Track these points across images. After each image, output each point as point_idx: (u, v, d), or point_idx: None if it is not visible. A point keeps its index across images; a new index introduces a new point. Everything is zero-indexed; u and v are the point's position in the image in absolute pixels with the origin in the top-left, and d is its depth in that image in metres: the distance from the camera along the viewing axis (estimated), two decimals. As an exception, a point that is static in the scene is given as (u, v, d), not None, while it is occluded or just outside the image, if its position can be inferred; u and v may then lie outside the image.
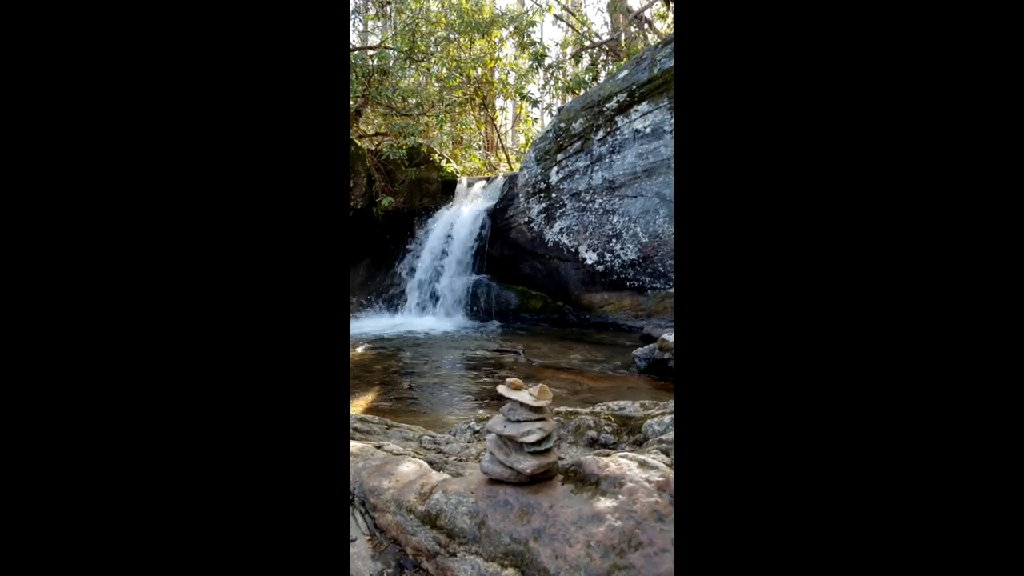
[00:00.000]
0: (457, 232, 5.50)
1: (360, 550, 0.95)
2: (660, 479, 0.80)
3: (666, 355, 2.94)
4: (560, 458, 1.29)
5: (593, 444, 1.27)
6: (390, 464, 1.11)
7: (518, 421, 0.89)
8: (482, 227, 5.48)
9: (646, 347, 3.19)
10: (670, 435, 1.06)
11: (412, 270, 5.46)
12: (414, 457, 1.16)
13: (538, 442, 0.86)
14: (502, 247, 5.49)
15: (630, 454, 0.88)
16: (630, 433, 1.27)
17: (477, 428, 1.53)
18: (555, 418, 1.42)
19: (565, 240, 5.04)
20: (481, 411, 2.26)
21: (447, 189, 6.24)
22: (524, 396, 0.90)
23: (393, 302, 5.40)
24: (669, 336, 2.99)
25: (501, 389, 0.95)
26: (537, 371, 3.11)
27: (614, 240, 4.75)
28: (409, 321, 4.87)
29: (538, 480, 0.86)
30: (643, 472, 0.81)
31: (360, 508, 1.03)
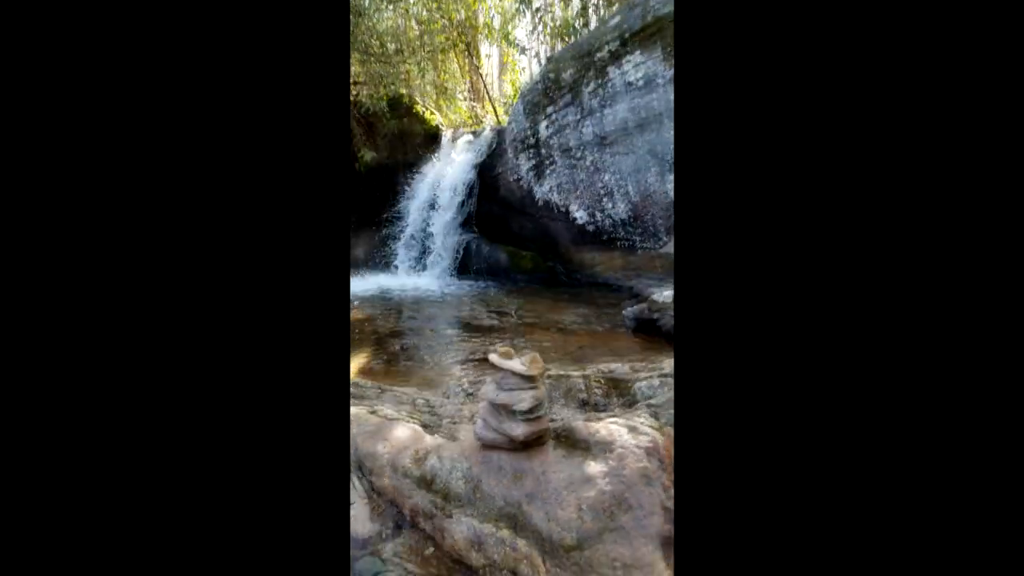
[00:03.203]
0: (444, 189, 5.39)
1: (358, 512, 0.98)
2: (649, 444, 0.82)
3: (655, 314, 2.98)
4: (552, 419, 1.32)
5: (584, 406, 1.30)
6: (385, 429, 1.13)
7: (510, 389, 0.90)
8: (470, 184, 5.38)
9: (635, 306, 3.22)
10: (658, 398, 1.09)
11: (400, 229, 5.38)
12: (408, 421, 1.18)
13: (530, 409, 0.87)
14: (491, 205, 5.42)
15: (620, 419, 0.91)
16: (620, 395, 1.30)
17: (470, 390, 1.55)
18: (547, 380, 1.44)
19: (555, 198, 4.98)
20: (473, 372, 2.29)
21: (431, 142, 6.05)
22: (516, 365, 0.91)
23: (381, 262, 5.36)
24: (658, 295, 3.02)
25: (492, 358, 0.95)
26: (528, 331, 3.14)
27: (605, 198, 4.70)
28: (398, 281, 4.85)
29: (530, 445, 0.89)
30: (632, 437, 0.84)
31: (357, 472, 1.06)
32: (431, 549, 0.87)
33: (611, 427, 0.87)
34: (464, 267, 5.13)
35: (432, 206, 5.43)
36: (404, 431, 1.12)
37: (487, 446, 0.91)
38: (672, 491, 0.76)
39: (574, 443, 0.88)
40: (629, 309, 3.26)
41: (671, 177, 4.41)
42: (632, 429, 0.86)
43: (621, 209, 4.68)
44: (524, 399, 0.88)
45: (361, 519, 0.96)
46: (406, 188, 5.61)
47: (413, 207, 5.41)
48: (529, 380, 0.90)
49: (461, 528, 0.83)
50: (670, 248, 4.58)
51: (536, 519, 0.76)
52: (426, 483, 0.91)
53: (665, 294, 2.99)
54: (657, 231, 4.58)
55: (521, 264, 5.11)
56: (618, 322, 3.36)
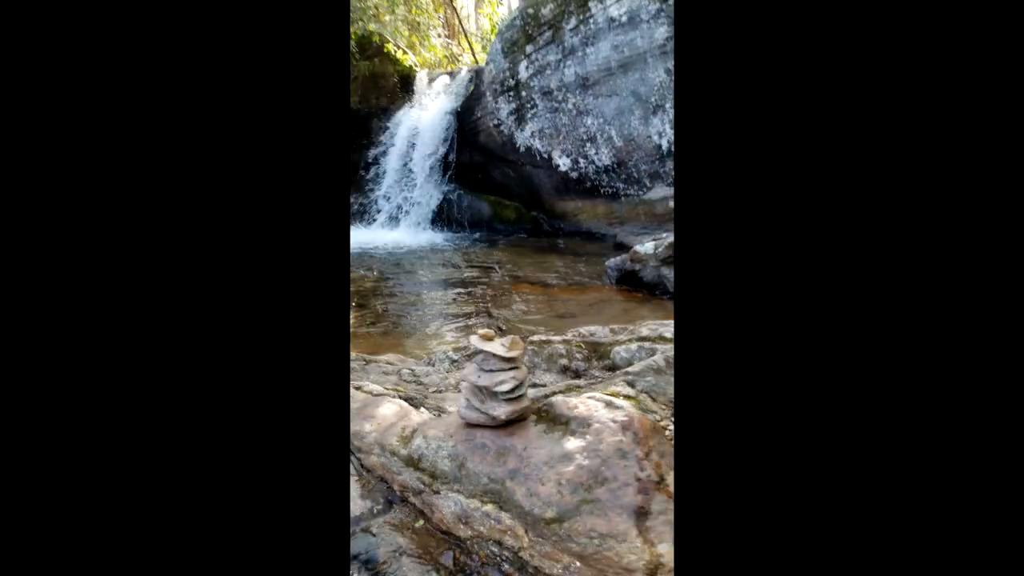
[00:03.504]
0: (421, 137, 5.20)
1: (352, 489, 1.02)
2: (624, 419, 0.86)
3: (636, 266, 3.00)
4: (534, 383, 1.36)
5: (565, 371, 1.33)
6: (370, 406, 1.16)
7: (492, 371, 0.92)
8: (448, 131, 5.19)
9: (617, 258, 3.24)
10: (635, 365, 1.12)
11: (376, 180, 5.22)
12: (393, 397, 1.21)
13: (511, 390, 0.90)
14: (471, 152, 5.26)
15: (597, 394, 0.94)
16: (600, 359, 1.34)
17: (454, 357, 1.58)
18: (530, 347, 1.47)
19: (537, 144, 4.84)
20: (458, 334, 2.32)
21: (405, 86, 5.76)
22: (497, 347, 0.92)
23: (357, 215, 5.23)
24: (640, 247, 3.04)
25: (474, 340, 0.97)
26: (514, 286, 3.16)
27: (588, 144, 4.59)
28: (377, 236, 4.77)
29: (512, 423, 0.92)
30: (609, 412, 0.87)
31: (346, 448, 1.09)
32: (421, 522, 0.92)
33: (589, 403, 0.90)
34: (446, 219, 5.05)
35: (409, 155, 5.25)
36: (390, 408, 1.15)
37: (471, 424, 0.94)
38: (645, 463, 0.80)
39: (554, 419, 0.91)
40: (612, 261, 3.28)
41: (655, 120, 4.30)
42: (608, 404, 0.89)
43: (604, 155, 4.59)
44: (505, 380, 0.90)
45: (352, 497, 1.00)
46: (381, 136, 5.39)
47: (390, 156, 5.23)
48: (510, 362, 0.92)
49: (448, 504, 0.88)
50: (653, 195, 4.55)
51: (519, 495, 0.80)
52: (413, 463, 0.95)
53: (647, 246, 3.01)
54: (640, 177, 4.53)
55: (504, 215, 5.05)
56: (601, 273, 3.39)
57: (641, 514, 0.73)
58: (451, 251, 4.28)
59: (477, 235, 4.86)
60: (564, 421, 0.89)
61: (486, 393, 0.92)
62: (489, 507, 0.83)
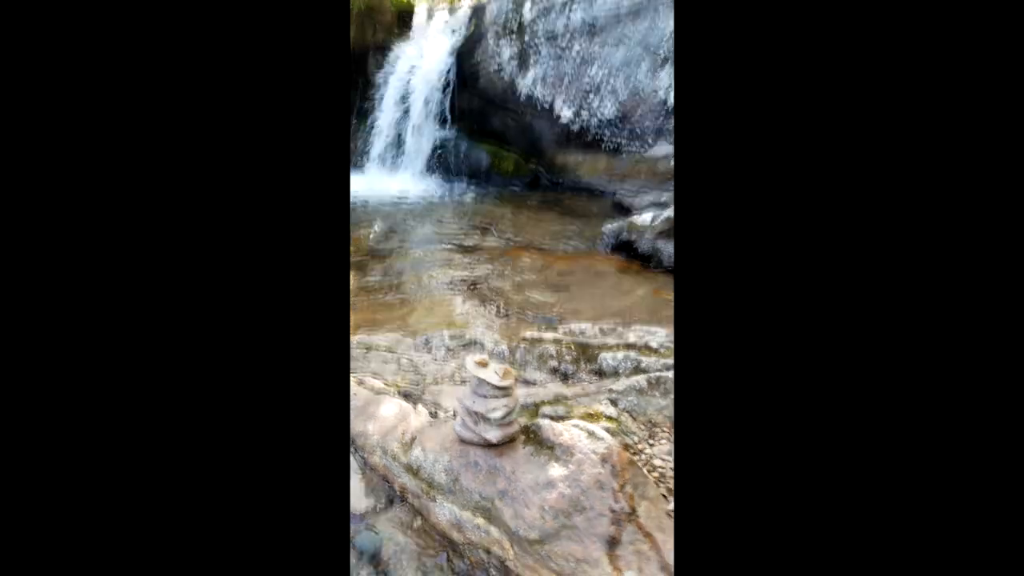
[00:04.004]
0: (419, 79, 4.97)
1: (355, 486, 1.13)
2: (604, 451, 0.95)
3: (632, 236, 3.03)
4: (526, 381, 1.45)
5: (554, 372, 1.42)
6: (372, 405, 1.25)
7: (485, 396, 1.00)
8: (447, 73, 4.95)
9: (615, 224, 3.25)
10: (620, 383, 1.20)
11: (372, 124, 5.05)
12: (393, 395, 1.30)
13: (503, 416, 0.98)
14: (471, 97, 5.06)
15: (581, 423, 1.02)
16: (588, 361, 1.42)
17: (451, 345, 1.66)
18: (522, 344, 1.55)
19: (539, 92, 4.66)
20: (457, 308, 2.38)
21: (403, 22, 5.41)
22: (491, 375, 0.99)
23: (352, 161, 5.10)
24: (637, 217, 3.04)
25: (469, 365, 1.03)
26: (511, 253, 3.19)
27: (592, 94, 4.42)
28: (372, 183, 4.69)
29: (502, 444, 1.01)
30: (590, 443, 0.96)
31: (351, 447, 1.19)
32: (419, 522, 1.03)
33: (573, 431, 0.99)
34: (443, 167, 4.95)
35: (406, 97, 5.04)
36: (390, 408, 1.24)
37: (465, 441, 1.03)
38: (620, 495, 0.90)
39: (541, 442, 1.00)
40: (608, 227, 3.30)
41: (662, 74, 4.13)
42: (591, 435, 0.98)
43: (608, 107, 4.44)
44: (497, 408, 0.98)
45: (357, 494, 1.11)
46: (377, 76, 5.14)
47: (387, 98, 5.02)
48: (502, 390, 0.99)
49: (444, 511, 0.99)
50: (655, 152, 4.46)
51: (506, 516, 0.91)
52: (412, 471, 1.05)
53: (644, 216, 3.01)
54: (644, 133, 4.41)
55: (502, 166, 4.95)
56: (597, 237, 3.42)
57: (613, 543, 0.84)
58: (449, 205, 4.25)
59: (475, 186, 4.80)
60: (550, 446, 0.99)
61: (479, 417, 1.00)
62: (480, 520, 0.94)
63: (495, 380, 0.98)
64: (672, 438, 1.08)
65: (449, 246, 3.31)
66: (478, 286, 2.67)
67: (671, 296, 2.54)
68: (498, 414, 0.97)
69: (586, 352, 1.45)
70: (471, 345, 1.64)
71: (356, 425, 1.19)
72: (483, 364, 1.02)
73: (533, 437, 1.02)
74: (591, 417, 1.10)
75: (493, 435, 0.98)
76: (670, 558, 0.84)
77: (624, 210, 4.00)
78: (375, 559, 1.01)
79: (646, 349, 1.36)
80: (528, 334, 1.55)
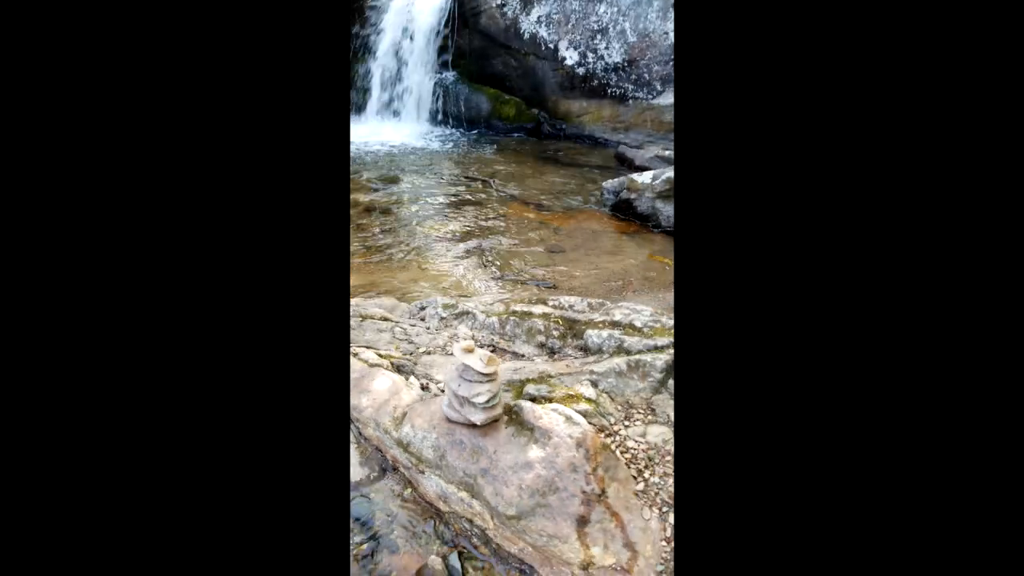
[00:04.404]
0: (417, 16, 4.69)
1: (351, 455, 1.21)
2: (579, 435, 1.01)
3: (632, 195, 2.99)
4: (515, 353, 1.51)
5: (541, 347, 1.47)
6: (366, 379, 1.31)
7: (470, 381, 1.05)
8: (447, 11, 4.67)
9: (615, 181, 3.20)
10: (601, 365, 1.25)
11: (368, 68, 4.83)
12: (386, 369, 1.36)
13: (487, 401, 1.04)
14: (471, 37, 4.80)
15: (560, 407, 1.08)
16: (574, 337, 1.47)
17: (443, 315, 1.71)
18: (512, 317, 1.59)
19: (543, 33, 4.41)
20: (452, 266, 2.41)
21: (402, -51, 5.03)
22: (475, 362, 1.04)
23: (351, 105, 4.93)
24: (638, 176, 2.99)
25: (456, 351, 1.08)
26: (507, 208, 3.17)
27: (598, 37, 4.19)
28: (369, 130, 4.56)
29: (486, 425, 1.08)
30: (567, 428, 1.03)
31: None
32: (409, 491, 1.12)
33: (552, 416, 1.05)
34: (442, 112, 4.79)
35: (404, 36, 4.79)
36: (383, 382, 1.30)
37: (451, 421, 1.10)
38: (591, 477, 0.98)
39: (522, 423, 1.07)
40: (609, 183, 3.25)
41: (672, 15, 3.89)
42: (568, 419, 1.04)
43: (615, 51, 4.22)
44: (481, 392, 1.04)
45: (353, 463, 1.20)
46: (372, 14, 4.85)
47: (383, 39, 4.77)
48: (487, 376, 1.04)
49: (431, 484, 1.07)
50: (663, 100, 4.29)
51: (487, 493, 0.99)
52: (403, 446, 1.13)
53: (644, 176, 2.96)
54: (652, 80, 4.22)
55: (503, 111, 4.79)
56: (597, 193, 3.38)
57: (582, 521, 0.92)
58: (447, 154, 4.16)
59: (475, 133, 4.67)
60: (530, 428, 1.05)
61: (465, 400, 1.06)
62: (464, 494, 1.03)
63: (480, 367, 1.03)
64: (646, 420, 1.15)
65: (446, 200, 3.28)
66: (474, 246, 2.68)
67: (665, 260, 2.55)
68: (482, 399, 1.03)
69: (573, 328, 1.49)
70: (463, 316, 1.68)
71: (352, 398, 1.26)
72: (469, 350, 1.06)
73: (515, 418, 1.09)
74: (571, 399, 1.16)
75: (477, 417, 1.05)
76: (635, 536, 0.93)
77: (627, 162, 3.92)
78: (367, 526, 1.11)
79: (630, 328, 1.40)
80: (519, 307, 1.59)
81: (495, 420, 1.08)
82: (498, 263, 2.51)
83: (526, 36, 4.49)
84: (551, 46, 4.42)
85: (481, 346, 1.58)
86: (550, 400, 1.17)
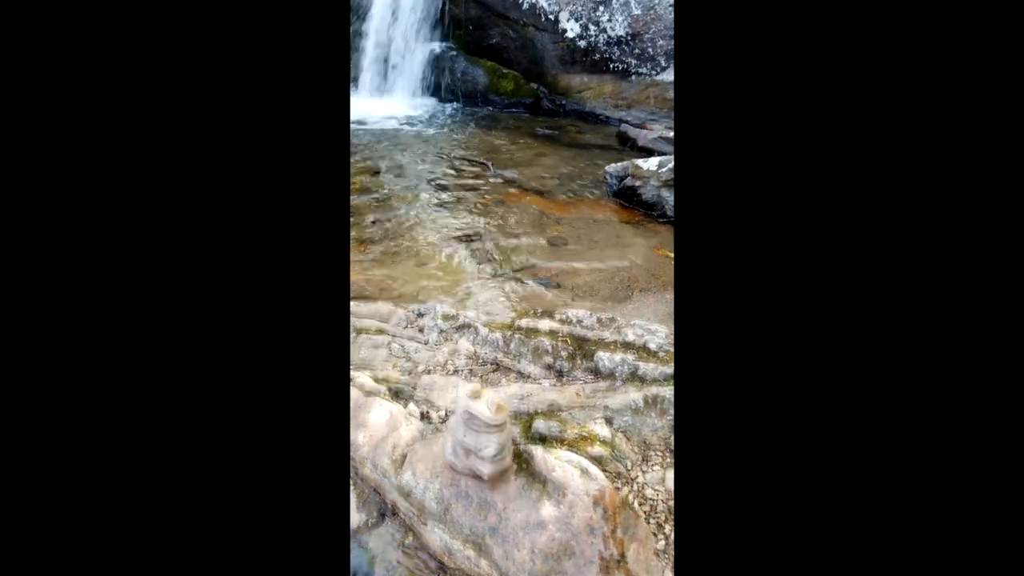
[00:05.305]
0: (410, -20, 4.39)
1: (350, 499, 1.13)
2: (596, 492, 0.93)
3: (636, 182, 2.85)
4: (520, 373, 1.41)
5: (549, 369, 1.38)
6: (362, 411, 1.22)
7: (477, 431, 0.96)
8: (441, -26, 4.36)
9: (619, 165, 3.06)
10: (615, 398, 1.17)
11: (361, 39, 4.54)
12: (383, 397, 1.26)
13: (495, 453, 0.95)
14: (467, 6, 4.51)
15: (574, 457, 1.00)
16: (584, 358, 1.38)
17: (443, 327, 1.60)
18: (516, 334, 1.49)
19: (543, 2, 4.15)
20: (448, 264, 2.29)
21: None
22: (483, 410, 0.95)
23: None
24: (643, 163, 2.84)
25: (461, 396, 0.98)
26: (508, 196, 3.02)
27: (601, 8, 3.94)
28: (361, 106, 4.32)
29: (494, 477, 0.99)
30: (584, 483, 0.94)
31: (341, 454, 1.18)
32: (411, 539, 1.05)
33: (566, 468, 0.96)
34: (437, 86, 4.55)
35: (396, 4, 4.49)
36: (380, 414, 1.21)
37: (456, 470, 1.01)
38: (610, 540, 0.90)
39: (533, 474, 0.98)
40: (612, 168, 3.10)
41: (684, -15, 3.64)
42: (584, 472, 0.96)
43: (619, 23, 3.99)
44: (490, 445, 0.94)
45: (349, 507, 1.12)
46: (360, -25, 4.53)
47: (375, 6, 4.47)
48: (495, 426, 0.95)
49: (435, 537, 0.99)
50: (667, 76, 4.08)
51: (496, 555, 0.91)
52: (403, 493, 1.04)
53: (650, 162, 2.82)
54: (656, 55, 4.01)
55: (501, 86, 4.56)
56: (600, 179, 3.24)
57: (600, 591, 0.85)
58: (443, 133, 3.96)
59: (471, 107, 4.45)
60: (542, 480, 0.97)
61: (471, 451, 0.97)
62: (471, 552, 0.95)
63: (487, 417, 0.94)
64: (664, 463, 1.07)
65: (442, 187, 3.12)
66: (472, 238, 2.55)
67: (670, 254, 2.45)
68: (490, 451, 0.94)
69: (583, 348, 1.40)
70: (464, 329, 1.58)
71: (346, 434, 1.17)
72: (476, 395, 0.97)
73: (525, 468, 1.00)
74: (585, 440, 1.08)
75: (485, 470, 0.96)
76: (656, 606, 0.86)
77: (629, 142, 3.75)
78: (368, 577, 1.03)
79: (644, 351, 1.31)
80: (523, 323, 1.49)
81: (504, 474, 1.00)
82: (497, 258, 2.39)
83: (525, 6, 4.22)
84: (551, 17, 4.16)
85: (484, 363, 1.49)
86: (562, 441, 1.09)
